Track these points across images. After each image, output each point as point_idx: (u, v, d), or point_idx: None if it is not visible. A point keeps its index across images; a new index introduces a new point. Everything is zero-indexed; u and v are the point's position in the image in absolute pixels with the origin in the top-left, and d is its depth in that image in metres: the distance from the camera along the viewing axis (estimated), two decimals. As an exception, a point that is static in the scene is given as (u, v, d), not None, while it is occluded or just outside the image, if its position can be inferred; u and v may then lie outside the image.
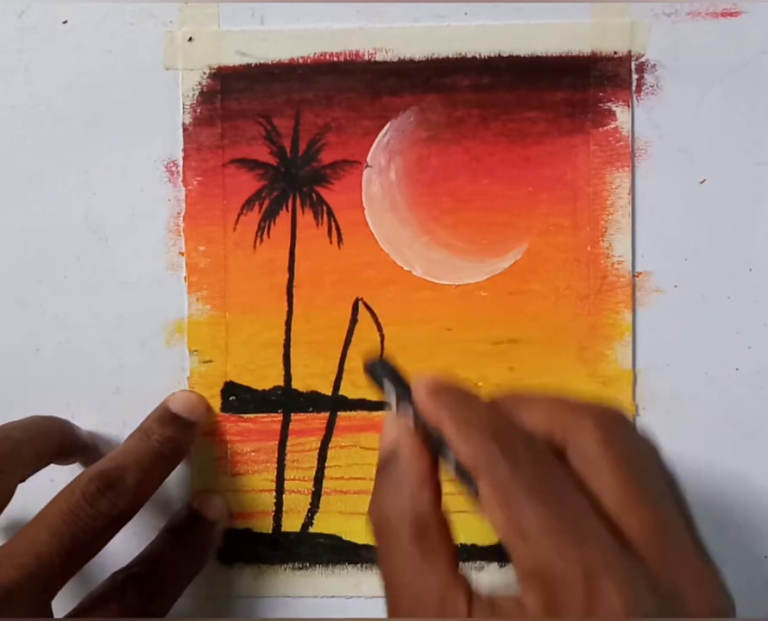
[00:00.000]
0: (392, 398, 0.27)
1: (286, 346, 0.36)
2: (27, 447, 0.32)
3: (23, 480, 0.32)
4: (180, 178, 0.36)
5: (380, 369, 0.28)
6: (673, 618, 0.23)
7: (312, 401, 0.36)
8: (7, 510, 0.31)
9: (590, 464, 0.25)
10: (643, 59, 0.35)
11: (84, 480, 0.30)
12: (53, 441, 0.34)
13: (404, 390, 0.27)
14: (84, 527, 0.29)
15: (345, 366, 0.36)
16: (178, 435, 0.34)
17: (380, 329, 0.36)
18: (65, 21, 0.35)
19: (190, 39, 0.35)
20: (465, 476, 0.25)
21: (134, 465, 0.32)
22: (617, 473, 0.25)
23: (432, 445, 0.26)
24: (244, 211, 0.36)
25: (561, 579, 0.23)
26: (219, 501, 0.36)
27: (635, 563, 0.23)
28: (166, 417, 0.34)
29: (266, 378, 0.36)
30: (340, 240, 0.36)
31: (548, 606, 0.23)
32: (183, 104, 0.35)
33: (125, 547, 0.34)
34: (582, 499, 0.24)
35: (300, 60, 0.35)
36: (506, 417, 0.26)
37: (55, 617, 0.30)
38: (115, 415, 0.36)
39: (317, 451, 0.36)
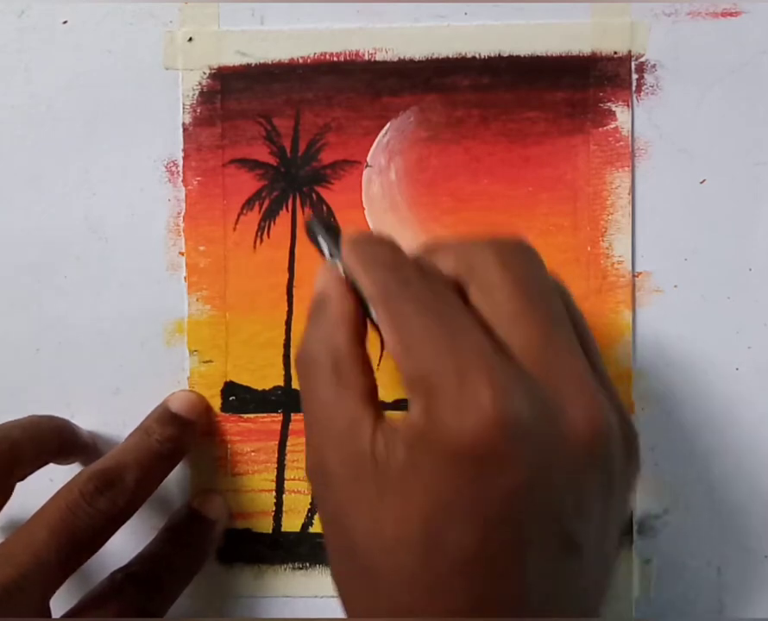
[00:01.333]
0: (326, 252, 0.29)
1: (286, 346, 0.36)
2: (26, 446, 0.32)
3: (22, 479, 0.32)
4: (180, 178, 0.36)
5: (316, 226, 0.30)
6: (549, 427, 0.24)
7: (312, 401, 0.36)
8: (6, 509, 0.31)
9: (488, 289, 0.26)
10: (643, 59, 0.35)
11: (83, 479, 0.30)
12: (53, 440, 0.34)
13: (337, 245, 0.29)
14: (82, 525, 0.29)
15: (345, 366, 0.36)
16: (178, 435, 0.34)
17: (380, 329, 0.36)
18: (65, 22, 0.36)
19: (190, 39, 0.35)
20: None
21: (133, 464, 0.32)
22: (511, 292, 0.25)
23: (358, 294, 0.28)
24: (244, 211, 0.36)
25: (436, 380, 0.23)
26: (219, 501, 0.36)
27: (511, 367, 0.24)
28: (166, 417, 0.34)
29: (266, 378, 0.36)
30: (340, 240, 0.36)
31: (427, 409, 0.23)
32: (183, 104, 0.35)
33: (124, 546, 0.34)
34: (467, 316, 0.25)
35: (300, 60, 0.35)
36: (404, 254, 0.27)
37: (54, 616, 0.30)
38: (115, 415, 0.36)
39: (317, 451, 0.36)
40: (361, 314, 0.27)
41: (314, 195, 0.36)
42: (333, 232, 0.29)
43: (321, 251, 0.29)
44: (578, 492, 0.24)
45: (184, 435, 0.34)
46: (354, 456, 0.25)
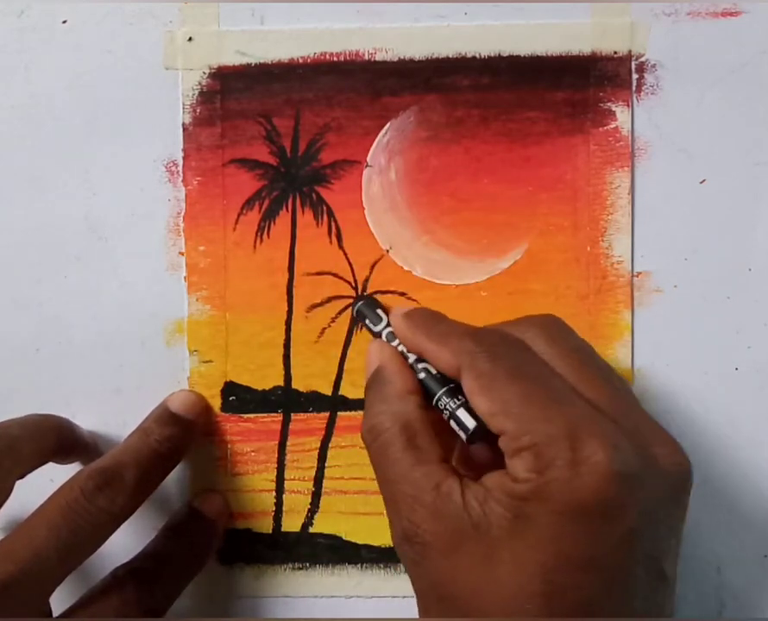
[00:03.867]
0: (375, 329, 0.32)
1: (286, 346, 0.36)
2: (25, 444, 0.32)
3: (21, 478, 0.32)
4: (180, 178, 0.36)
5: (365, 306, 0.33)
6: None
7: (312, 401, 0.36)
8: (5, 509, 0.31)
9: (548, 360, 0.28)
10: (643, 59, 0.35)
11: (82, 477, 0.31)
12: (52, 438, 0.34)
13: (386, 322, 0.32)
14: (82, 523, 0.30)
15: (345, 367, 0.36)
16: (176, 435, 0.34)
17: (380, 328, 0.36)
18: (65, 21, 0.36)
19: (190, 39, 0.35)
20: (439, 387, 0.29)
21: (132, 463, 0.32)
22: (568, 361, 0.27)
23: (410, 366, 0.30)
24: (244, 211, 0.36)
25: (547, 440, 0.25)
26: (219, 500, 0.36)
27: (612, 424, 0.25)
28: (165, 417, 0.34)
29: (266, 378, 0.36)
30: (340, 240, 0.36)
31: (537, 468, 0.24)
32: (183, 104, 0.35)
33: (125, 546, 0.34)
34: (557, 376, 0.27)
35: (300, 60, 0.35)
36: (476, 326, 0.29)
37: (54, 614, 0.30)
38: (115, 415, 0.36)
39: (317, 451, 0.36)
40: (418, 385, 0.29)
41: (314, 195, 0.36)
42: (382, 310, 0.32)
43: (371, 329, 0.32)
44: (672, 530, 0.26)
45: (183, 435, 0.34)
46: (449, 522, 0.25)
